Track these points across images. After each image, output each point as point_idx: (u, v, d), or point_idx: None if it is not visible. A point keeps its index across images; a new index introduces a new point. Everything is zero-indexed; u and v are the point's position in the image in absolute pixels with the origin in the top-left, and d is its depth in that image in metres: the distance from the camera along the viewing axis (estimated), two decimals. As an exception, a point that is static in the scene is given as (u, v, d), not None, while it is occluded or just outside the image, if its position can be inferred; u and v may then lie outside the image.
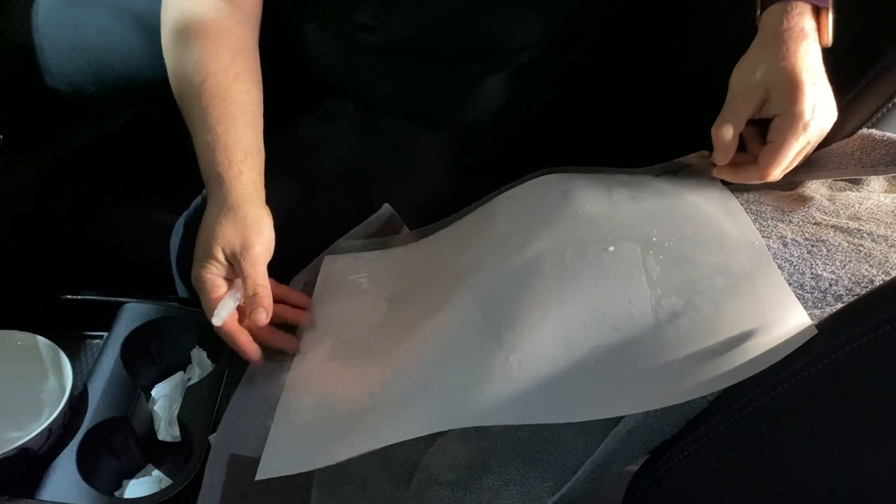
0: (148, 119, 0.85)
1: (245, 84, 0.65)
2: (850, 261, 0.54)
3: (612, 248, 0.59)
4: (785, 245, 0.57)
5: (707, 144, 0.76)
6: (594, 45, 0.81)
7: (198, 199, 0.73)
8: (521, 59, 0.76)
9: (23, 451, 0.63)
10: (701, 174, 0.68)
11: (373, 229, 0.73)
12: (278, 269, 0.72)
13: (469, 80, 0.76)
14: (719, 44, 0.78)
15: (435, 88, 0.77)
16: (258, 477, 0.52)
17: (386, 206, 0.75)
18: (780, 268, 0.55)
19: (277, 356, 0.64)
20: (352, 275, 0.69)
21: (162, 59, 0.81)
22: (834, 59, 0.63)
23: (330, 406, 0.56)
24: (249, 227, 0.60)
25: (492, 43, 0.74)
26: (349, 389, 0.58)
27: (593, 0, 0.76)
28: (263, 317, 0.59)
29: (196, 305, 0.79)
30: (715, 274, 0.55)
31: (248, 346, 0.61)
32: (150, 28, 0.80)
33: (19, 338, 0.71)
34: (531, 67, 0.77)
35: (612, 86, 0.86)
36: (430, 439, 0.55)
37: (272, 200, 0.72)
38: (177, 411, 0.71)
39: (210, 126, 0.63)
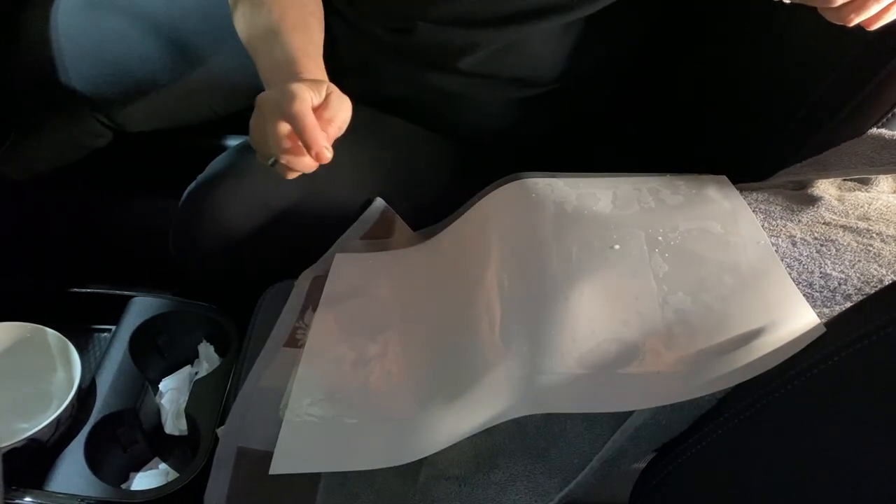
0: (162, 119, 0.85)
1: (318, 24, 0.67)
2: (859, 260, 0.54)
3: (617, 247, 0.59)
4: (794, 244, 0.57)
5: (711, 153, 0.76)
6: (610, 76, 0.82)
7: (192, 186, 0.73)
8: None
9: (31, 441, 0.63)
10: (705, 176, 0.68)
11: (368, 224, 0.74)
12: (284, 264, 0.73)
13: (478, 90, 0.76)
14: (731, 54, 0.78)
15: (443, 94, 0.77)
16: (272, 471, 0.52)
17: (378, 199, 0.75)
18: (789, 267, 0.55)
19: (286, 351, 0.64)
20: (362, 274, 0.69)
21: (177, 62, 0.81)
22: (846, 60, 0.63)
23: (345, 405, 0.57)
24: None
25: (514, 73, 0.75)
26: (362, 388, 0.58)
27: (617, 46, 0.78)
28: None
29: (203, 299, 0.80)
30: (723, 272, 0.55)
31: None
32: (166, 33, 0.81)
33: (29, 330, 0.71)
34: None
35: (619, 91, 0.86)
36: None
37: (277, 196, 0.72)
38: (184, 405, 0.72)
39: (296, 50, 0.62)
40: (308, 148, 0.54)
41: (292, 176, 0.59)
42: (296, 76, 0.60)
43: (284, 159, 0.56)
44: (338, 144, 0.78)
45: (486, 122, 0.80)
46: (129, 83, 0.80)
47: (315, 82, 0.58)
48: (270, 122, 0.56)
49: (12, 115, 0.78)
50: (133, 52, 0.80)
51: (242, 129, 0.89)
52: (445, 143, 0.83)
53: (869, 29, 0.53)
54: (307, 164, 0.57)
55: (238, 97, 0.88)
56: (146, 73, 0.80)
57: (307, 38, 0.64)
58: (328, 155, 0.55)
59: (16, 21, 0.78)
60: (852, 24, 0.52)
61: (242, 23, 0.66)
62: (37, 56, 0.77)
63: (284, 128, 0.55)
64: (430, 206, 0.77)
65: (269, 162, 0.58)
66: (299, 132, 0.54)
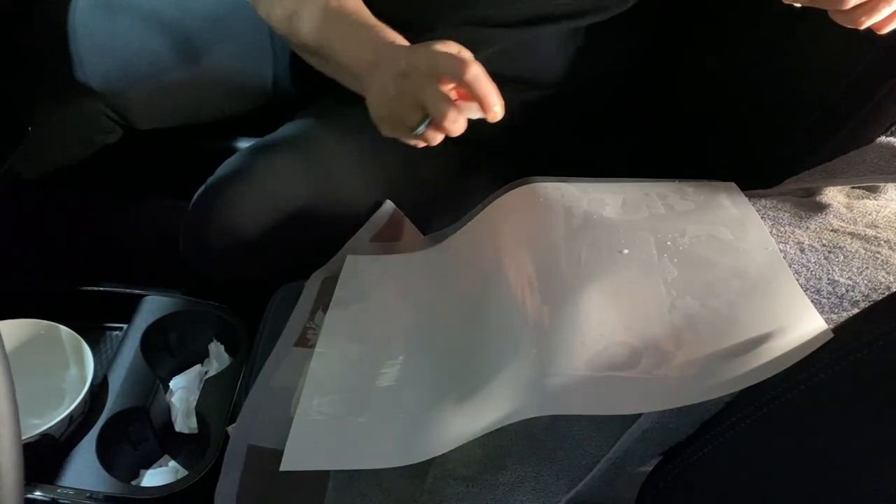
0: (170, 116, 0.86)
1: None
2: (867, 267, 0.54)
3: (626, 251, 0.59)
4: (802, 251, 0.57)
5: (720, 159, 0.76)
6: (615, 80, 0.83)
7: (202, 188, 0.74)
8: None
9: (44, 437, 0.64)
10: (714, 182, 0.68)
11: (377, 227, 0.74)
12: (294, 265, 0.74)
13: None
14: (741, 60, 0.78)
15: None
16: (282, 468, 0.53)
17: (388, 202, 0.76)
18: (796, 273, 0.55)
19: (296, 351, 0.65)
20: (372, 276, 0.69)
21: (186, 60, 0.83)
22: (856, 69, 0.64)
23: (355, 405, 0.57)
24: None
25: (519, 74, 0.76)
26: (372, 388, 0.58)
27: (625, 51, 0.79)
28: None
29: (213, 299, 0.81)
30: (731, 277, 0.55)
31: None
32: (175, 33, 0.83)
33: (43, 327, 0.72)
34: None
35: (626, 94, 0.87)
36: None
37: (286, 198, 0.73)
38: (194, 403, 0.72)
39: (370, 20, 0.65)
40: (487, 107, 0.57)
41: (438, 140, 0.60)
42: (391, 43, 0.62)
43: (447, 119, 0.57)
44: (345, 146, 0.79)
45: (489, 124, 0.81)
46: (138, 80, 0.81)
47: (443, 42, 0.59)
48: (430, 86, 0.57)
49: (29, 113, 0.79)
50: (143, 49, 0.81)
51: (252, 131, 0.91)
52: (450, 144, 0.83)
53: (879, 33, 0.53)
54: (462, 125, 0.58)
55: (246, 97, 0.89)
56: (155, 71, 0.82)
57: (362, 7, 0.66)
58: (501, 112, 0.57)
59: (33, 16, 0.79)
60: (863, 26, 0.52)
61: (308, 19, 0.67)
62: (52, 51, 0.78)
63: (446, 89, 0.57)
64: (435, 207, 0.77)
65: (418, 130, 0.59)
66: (481, 93, 0.56)
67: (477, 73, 0.56)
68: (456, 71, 0.56)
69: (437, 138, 0.60)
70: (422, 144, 0.61)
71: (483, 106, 0.57)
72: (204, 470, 0.66)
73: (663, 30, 0.82)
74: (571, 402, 0.50)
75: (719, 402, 0.49)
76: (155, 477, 0.71)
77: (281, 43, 0.89)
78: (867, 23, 0.52)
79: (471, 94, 0.57)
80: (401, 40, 0.63)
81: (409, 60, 0.59)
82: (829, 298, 0.53)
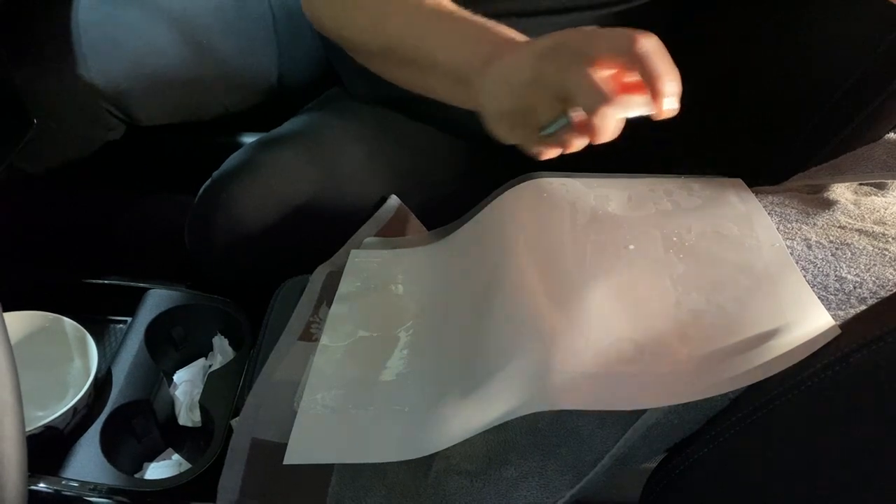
0: (173, 113, 0.86)
1: None
2: (874, 264, 0.54)
3: (632, 247, 0.59)
4: (809, 247, 0.57)
5: (726, 155, 0.76)
6: None
7: (207, 182, 0.74)
8: None
9: (48, 429, 0.64)
10: (721, 178, 0.68)
11: (383, 221, 0.74)
12: (298, 259, 0.74)
13: None
14: (749, 56, 0.78)
15: None
16: (286, 461, 0.53)
17: (393, 197, 0.75)
18: (803, 269, 0.55)
19: (300, 345, 0.65)
20: (377, 270, 0.69)
21: (189, 56, 0.82)
22: (864, 65, 0.63)
23: (359, 399, 0.57)
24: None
25: None
26: (376, 382, 0.58)
27: None
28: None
29: (217, 293, 0.81)
30: (738, 273, 0.55)
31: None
32: (182, 27, 0.83)
33: (47, 320, 0.72)
34: None
35: None
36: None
37: (292, 192, 0.73)
38: (198, 397, 0.73)
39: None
40: (658, 94, 0.45)
41: (577, 147, 0.49)
42: (510, 38, 0.54)
43: (600, 113, 0.45)
44: (351, 141, 0.79)
45: None
46: (142, 76, 0.81)
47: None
48: (581, 66, 0.45)
49: (33, 109, 0.79)
50: (146, 44, 0.81)
51: (258, 127, 0.91)
52: (456, 142, 0.83)
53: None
54: (614, 127, 0.47)
55: (250, 93, 0.89)
56: (159, 67, 0.82)
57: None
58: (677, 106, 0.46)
59: (37, 10, 0.79)
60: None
61: (397, 22, 0.61)
62: (57, 48, 0.78)
63: (599, 73, 0.46)
64: (441, 204, 0.77)
65: (550, 129, 0.48)
66: (654, 72, 0.44)
67: (651, 47, 0.44)
68: (621, 44, 0.44)
69: (574, 144, 0.49)
70: (548, 154, 0.50)
71: (654, 92, 0.44)
72: (207, 463, 0.66)
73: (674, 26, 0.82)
74: (576, 398, 0.49)
75: (725, 399, 0.49)
76: (158, 470, 0.71)
77: (286, 39, 0.89)
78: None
79: (642, 75, 0.44)
80: (519, 36, 0.54)
81: (558, 38, 0.48)
82: (836, 295, 0.52)
